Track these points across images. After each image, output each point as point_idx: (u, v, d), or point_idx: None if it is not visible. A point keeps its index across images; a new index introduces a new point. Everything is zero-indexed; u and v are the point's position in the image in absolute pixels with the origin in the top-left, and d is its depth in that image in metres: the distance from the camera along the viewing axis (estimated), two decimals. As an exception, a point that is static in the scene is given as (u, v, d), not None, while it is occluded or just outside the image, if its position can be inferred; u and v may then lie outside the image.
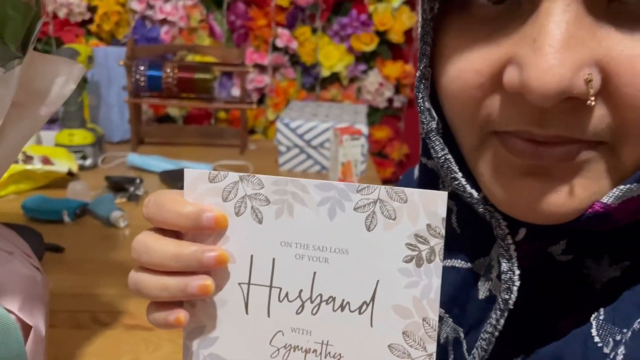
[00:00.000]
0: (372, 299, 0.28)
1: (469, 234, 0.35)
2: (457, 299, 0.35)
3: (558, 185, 0.27)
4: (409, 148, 1.77)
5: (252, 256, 0.30)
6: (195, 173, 0.31)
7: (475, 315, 0.34)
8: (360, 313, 0.29)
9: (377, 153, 1.74)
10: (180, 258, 0.30)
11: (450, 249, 0.35)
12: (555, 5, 0.24)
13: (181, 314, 0.31)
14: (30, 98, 0.41)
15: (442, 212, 0.27)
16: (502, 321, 0.31)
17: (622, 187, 0.26)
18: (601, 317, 0.28)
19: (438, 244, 0.27)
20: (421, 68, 0.31)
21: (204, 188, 0.30)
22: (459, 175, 0.31)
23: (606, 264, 0.30)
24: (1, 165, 0.41)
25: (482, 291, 0.34)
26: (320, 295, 0.29)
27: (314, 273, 0.29)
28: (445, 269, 0.35)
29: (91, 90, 1.38)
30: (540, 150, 0.26)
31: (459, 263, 0.36)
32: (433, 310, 0.28)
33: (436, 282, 0.28)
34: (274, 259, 0.30)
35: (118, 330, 0.66)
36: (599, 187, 0.27)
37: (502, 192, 0.29)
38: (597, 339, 0.28)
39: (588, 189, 0.27)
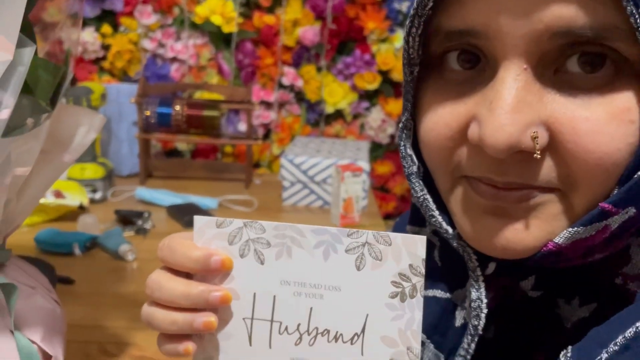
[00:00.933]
0: (363, 330, 0.32)
1: (448, 267, 0.39)
2: (438, 326, 0.39)
3: (515, 223, 0.31)
4: (410, 183, 1.80)
5: (255, 294, 0.34)
6: (204, 220, 0.34)
7: (453, 341, 0.37)
8: (352, 343, 0.32)
9: (380, 188, 1.78)
10: (189, 297, 0.33)
11: (432, 280, 0.39)
12: (508, 74, 0.29)
13: (189, 345, 0.34)
14: (55, 146, 0.45)
15: (422, 253, 0.31)
16: (473, 345, 0.34)
17: (570, 229, 0.30)
18: (569, 354, 0.31)
19: (419, 281, 0.31)
20: (403, 120, 0.35)
21: (212, 233, 0.34)
22: (436, 213, 0.35)
23: (576, 305, 0.33)
24: (27, 208, 0.44)
25: (459, 319, 0.37)
26: (317, 328, 0.33)
27: (311, 308, 0.33)
28: (428, 299, 0.39)
29: (103, 125, 1.43)
30: (500, 193, 0.31)
31: (439, 293, 0.39)
32: (416, 340, 0.31)
33: (418, 315, 0.31)
34: (274, 296, 0.33)
35: (125, 362, 0.68)
36: (552, 228, 0.31)
37: (469, 227, 0.33)
38: None
39: (542, 229, 0.31)
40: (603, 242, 0.30)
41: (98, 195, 1.25)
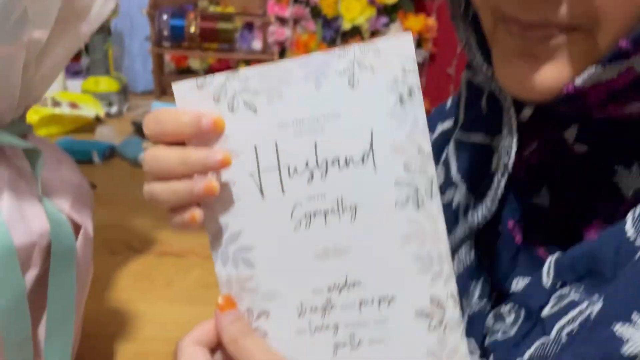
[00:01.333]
0: (371, 147, 0.31)
1: (493, 113, 0.38)
2: (474, 169, 0.39)
3: (540, 65, 0.30)
4: (430, 103, 1.77)
5: (255, 146, 0.32)
6: (184, 85, 0.32)
7: (487, 186, 0.37)
8: (363, 163, 0.31)
9: (397, 108, 1.74)
10: (187, 163, 0.31)
11: (475, 126, 0.39)
12: None
13: (196, 212, 0.32)
14: (72, 15, 0.43)
15: (412, 52, 0.30)
16: (502, 183, 0.35)
17: (590, 70, 0.29)
18: (637, 213, 0.30)
19: (414, 80, 0.31)
20: None
21: (195, 96, 0.32)
22: (478, 54, 0.35)
23: (637, 171, 0.32)
24: (46, 79, 0.43)
25: (494, 163, 0.37)
26: (325, 159, 0.32)
27: (315, 143, 0.32)
28: (467, 144, 0.40)
29: (114, 41, 1.39)
30: (524, 32, 0.30)
31: (479, 139, 0.39)
32: (424, 139, 0.31)
33: (421, 114, 0.31)
34: (275, 142, 0.32)
35: (151, 257, 0.69)
36: (574, 69, 0.30)
37: (501, 69, 0.33)
38: (630, 233, 0.29)
39: (564, 70, 0.30)
40: (628, 87, 0.29)
41: (114, 110, 1.23)
